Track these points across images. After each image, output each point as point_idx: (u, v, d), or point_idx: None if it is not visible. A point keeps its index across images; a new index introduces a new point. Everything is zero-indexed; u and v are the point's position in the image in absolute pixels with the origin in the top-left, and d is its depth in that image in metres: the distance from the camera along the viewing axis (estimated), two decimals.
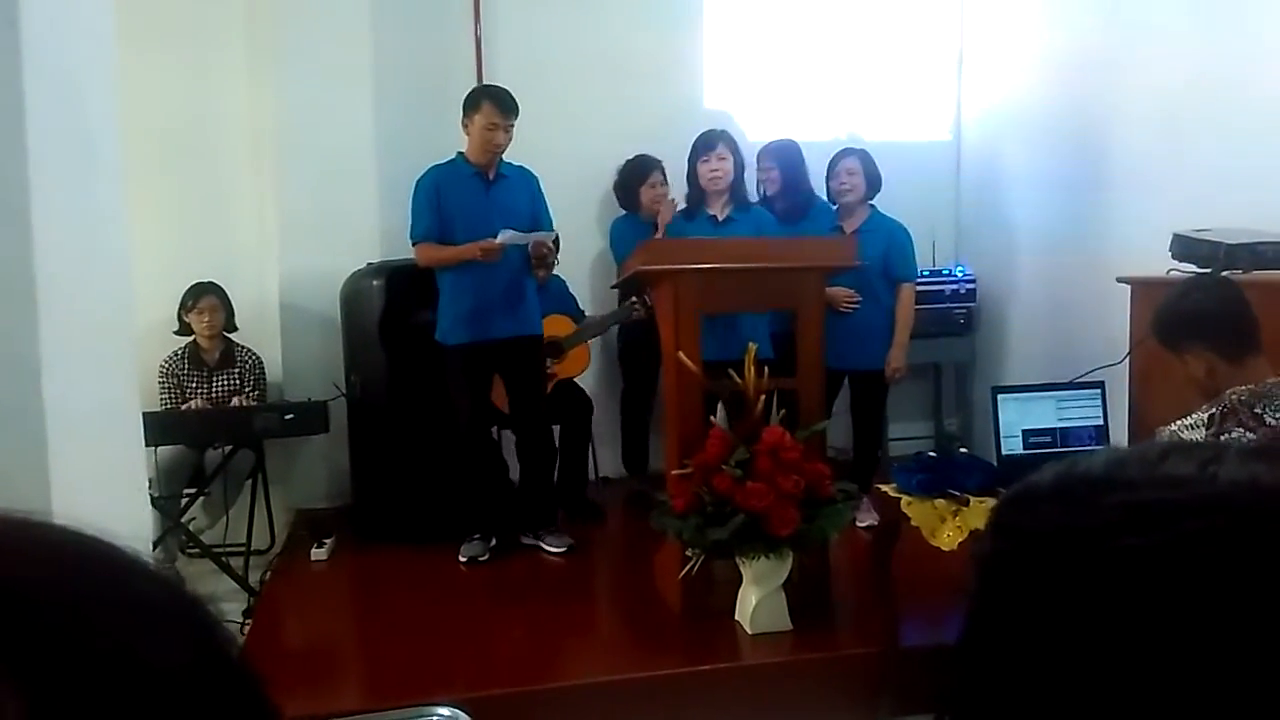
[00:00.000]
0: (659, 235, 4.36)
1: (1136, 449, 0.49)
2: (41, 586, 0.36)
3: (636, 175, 4.87)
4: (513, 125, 3.98)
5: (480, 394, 4.10)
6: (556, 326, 4.61)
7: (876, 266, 4.17)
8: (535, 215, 4.10)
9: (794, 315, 3.59)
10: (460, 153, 4.06)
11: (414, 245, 4.06)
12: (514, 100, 3.98)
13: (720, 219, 4.11)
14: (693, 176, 4.16)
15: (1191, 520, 0.42)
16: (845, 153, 4.36)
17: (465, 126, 3.99)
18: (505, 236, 3.85)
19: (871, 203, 4.35)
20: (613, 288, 4.62)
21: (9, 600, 0.35)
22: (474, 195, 4.01)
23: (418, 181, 4.06)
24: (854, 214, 4.31)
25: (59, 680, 0.33)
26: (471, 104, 3.98)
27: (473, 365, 4.04)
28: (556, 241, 4.21)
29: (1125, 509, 0.43)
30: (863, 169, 4.28)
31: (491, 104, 3.94)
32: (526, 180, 4.13)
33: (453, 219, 3.99)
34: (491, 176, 4.04)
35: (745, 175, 4.24)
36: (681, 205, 4.33)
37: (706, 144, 4.11)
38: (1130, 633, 0.41)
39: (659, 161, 4.82)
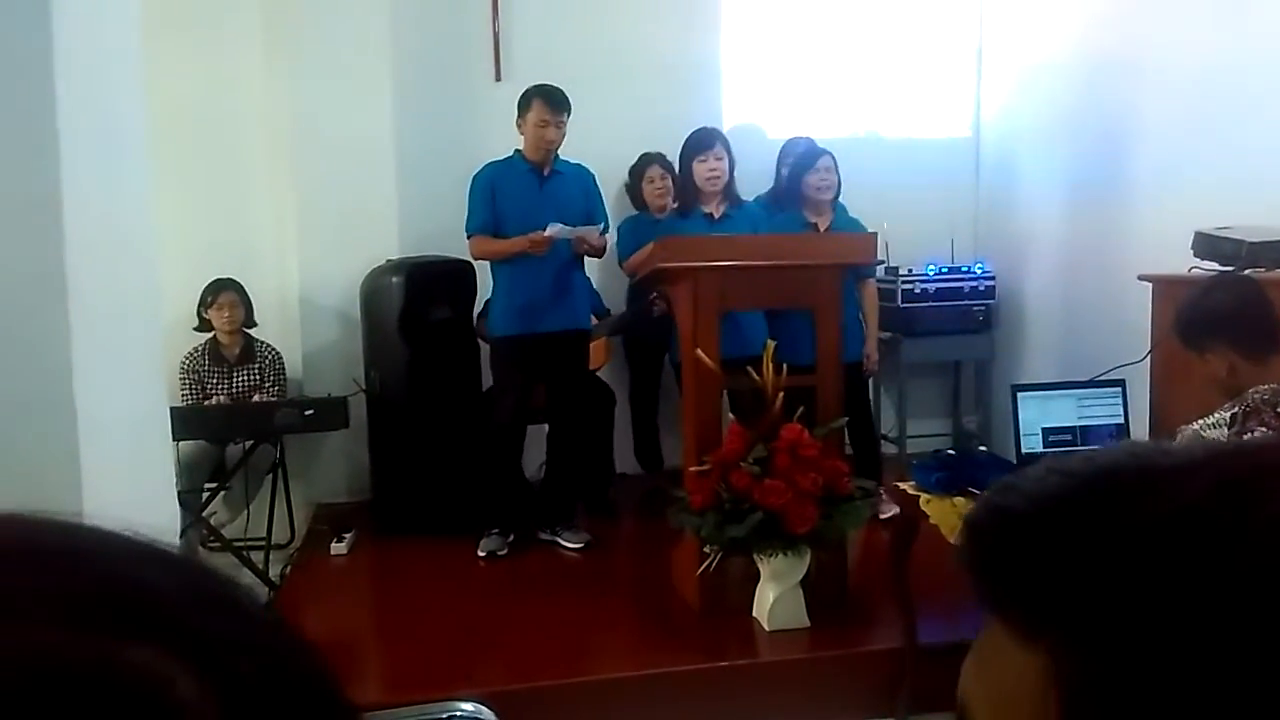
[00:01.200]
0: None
1: (1145, 446, 0.48)
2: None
3: (638, 172, 4.91)
4: (564, 121, 4.05)
5: (526, 386, 4.15)
6: None
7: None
8: (589, 211, 4.17)
9: (812, 312, 3.59)
10: (518, 150, 4.13)
11: (468, 238, 4.14)
12: (565, 97, 4.04)
13: (716, 217, 4.18)
14: (687, 175, 4.21)
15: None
16: (819, 150, 4.40)
17: (519, 125, 4.07)
18: (554, 230, 3.92)
19: (841, 202, 4.39)
20: (633, 283, 4.62)
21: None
22: (528, 191, 4.09)
23: (474, 176, 4.14)
24: (824, 213, 4.34)
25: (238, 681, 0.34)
26: (524, 103, 4.05)
27: (521, 357, 4.09)
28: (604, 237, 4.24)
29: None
30: (835, 168, 4.33)
31: (542, 101, 4.01)
32: (581, 176, 4.20)
33: (507, 214, 4.07)
34: (546, 173, 4.11)
35: (738, 173, 4.27)
36: (673, 204, 4.38)
37: (703, 143, 4.15)
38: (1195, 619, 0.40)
39: (659, 154, 4.84)
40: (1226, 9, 3.95)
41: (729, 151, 4.17)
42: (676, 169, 4.43)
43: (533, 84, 4.10)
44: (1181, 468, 0.44)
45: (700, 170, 4.14)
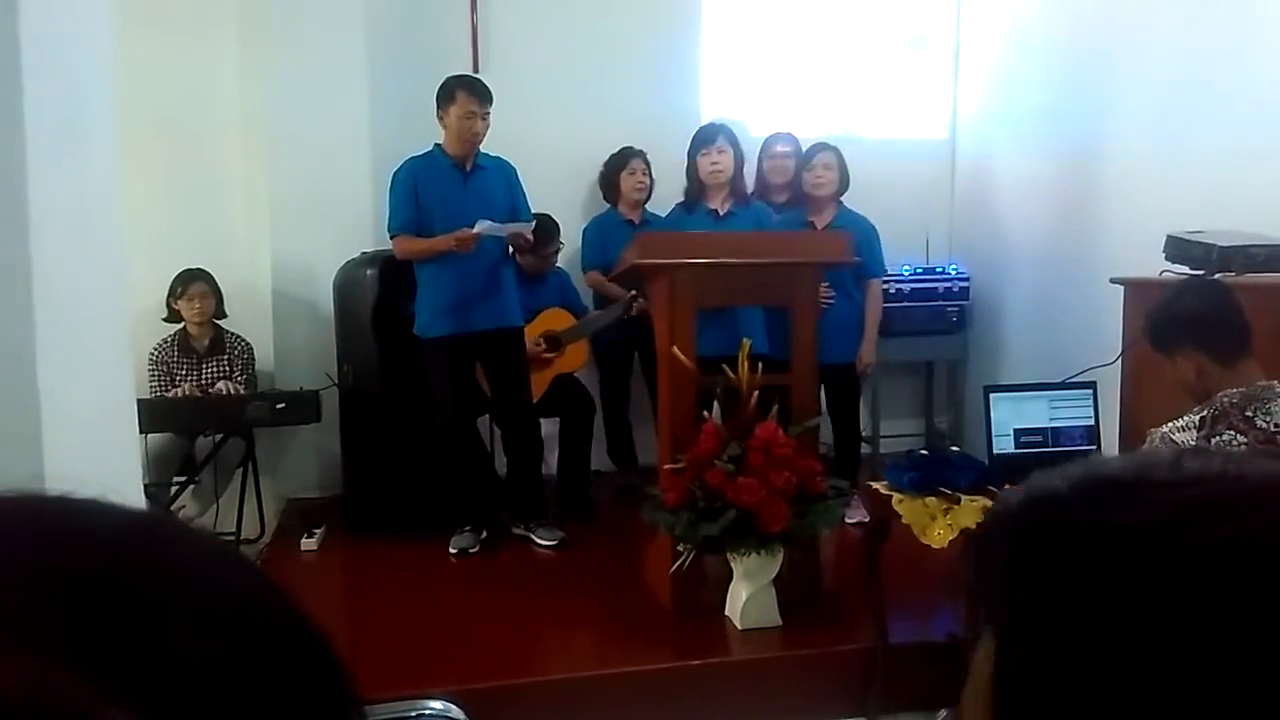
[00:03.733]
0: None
1: (1147, 455, 0.49)
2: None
3: (616, 165, 4.85)
4: (489, 113, 3.97)
5: (463, 387, 4.10)
6: (556, 320, 4.61)
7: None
8: (514, 206, 4.10)
9: (788, 310, 3.59)
10: (437, 144, 4.05)
11: (391, 238, 4.06)
12: (488, 88, 3.98)
13: (721, 213, 4.10)
14: (692, 170, 4.15)
15: (1258, 511, 0.43)
16: (820, 147, 4.38)
17: (440, 119, 3.99)
18: (482, 227, 3.85)
19: (841, 199, 4.37)
20: (608, 279, 4.60)
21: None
22: (451, 187, 4.01)
23: (394, 174, 4.06)
24: (824, 210, 4.34)
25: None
26: (446, 95, 3.97)
27: (454, 358, 4.04)
28: (546, 231, 4.20)
29: (1188, 504, 0.43)
30: (837, 164, 4.31)
31: (466, 93, 3.94)
32: (504, 171, 4.13)
33: (431, 211, 3.99)
34: (469, 168, 4.04)
35: (744, 169, 4.24)
36: (679, 199, 4.34)
37: (707, 137, 4.11)
38: (1209, 625, 0.41)
39: (641, 151, 4.82)
40: (1200, 15, 3.99)
41: (735, 146, 4.06)
42: (685, 165, 4.34)
43: (451, 75, 4.03)
44: (1164, 484, 0.45)
45: (703, 164, 4.07)
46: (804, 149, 4.52)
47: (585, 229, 4.88)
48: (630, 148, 4.84)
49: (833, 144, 4.42)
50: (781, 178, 4.51)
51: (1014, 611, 0.46)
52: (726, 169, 4.04)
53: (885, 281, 5.01)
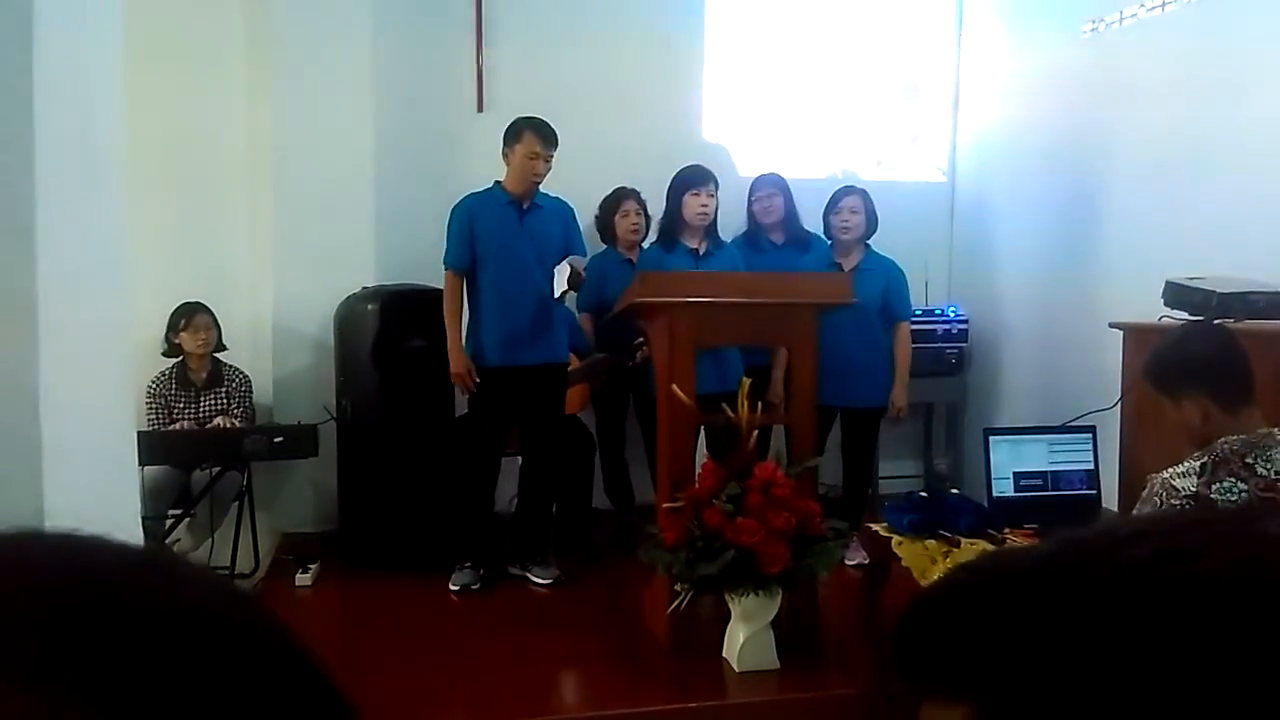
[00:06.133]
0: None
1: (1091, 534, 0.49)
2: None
3: (610, 206, 4.88)
4: (552, 156, 4.04)
5: (501, 420, 4.11)
6: None
7: (875, 305, 4.22)
8: (569, 246, 4.15)
9: (788, 350, 3.60)
10: (498, 181, 4.11)
11: (446, 270, 4.11)
12: (555, 132, 4.04)
13: (700, 253, 4.22)
14: (675, 208, 4.22)
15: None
16: (847, 190, 4.40)
17: (505, 156, 4.05)
18: (573, 261, 3.97)
19: (868, 242, 4.39)
20: (607, 319, 4.61)
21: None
22: (507, 224, 4.06)
23: (454, 208, 4.12)
24: (851, 252, 4.35)
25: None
26: (514, 134, 4.03)
27: (498, 390, 4.05)
28: (580, 277, 4.24)
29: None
30: (864, 208, 4.33)
31: (534, 134, 4.00)
32: (561, 211, 4.19)
33: (486, 246, 4.05)
34: (526, 206, 4.09)
35: (721, 210, 4.35)
36: (653, 236, 4.40)
37: (698, 179, 4.19)
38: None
39: (634, 191, 4.85)
40: (1198, 60, 4.03)
41: (717, 192, 4.25)
42: (665, 201, 4.40)
43: (523, 115, 4.09)
44: (1125, 539, 0.45)
45: (692, 204, 4.17)
46: (791, 188, 4.62)
47: (585, 268, 4.89)
48: (624, 188, 4.86)
49: (859, 187, 4.45)
50: (771, 218, 4.58)
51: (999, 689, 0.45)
52: (712, 212, 4.21)
53: None
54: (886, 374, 4.32)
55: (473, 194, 4.13)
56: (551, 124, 4.04)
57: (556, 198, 4.19)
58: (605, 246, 4.93)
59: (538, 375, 4.08)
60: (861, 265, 4.31)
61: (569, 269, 3.98)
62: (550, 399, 4.17)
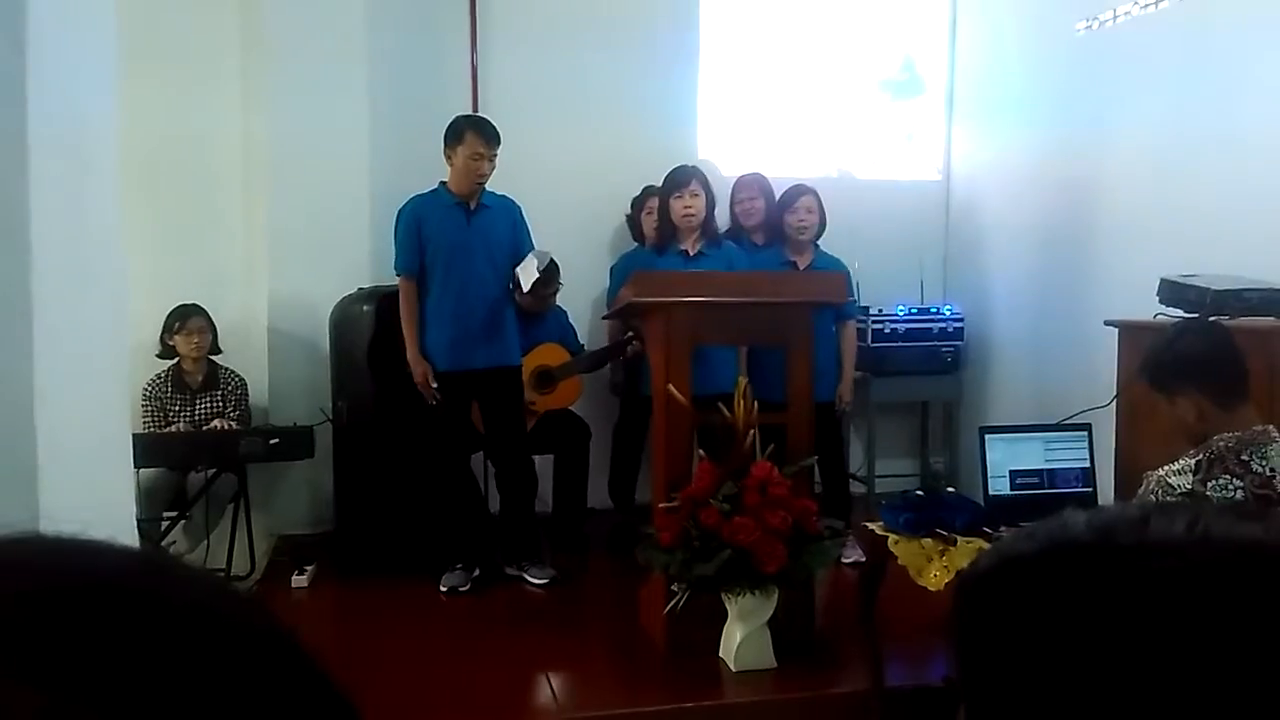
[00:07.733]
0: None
1: (1113, 516, 0.50)
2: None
3: (637, 205, 4.89)
4: (496, 155, 4.00)
5: (457, 422, 4.10)
6: (550, 355, 4.60)
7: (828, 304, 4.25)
8: (518, 244, 4.11)
9: (784, 349, 3.60)
10: (442, 182, 4.08)
11: (398, 276, 4.09)
12: (496, 130, 4.01)
13: (691, 254, 4.19)
14: (664, 212, 4.23)
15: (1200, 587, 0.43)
16: (801, 189, 4.43)
17: (448, 157, 4.01)
18: (533, 257, 3.90)
19: (817, 242, 4.41)
20: (604, 319, 4.62)
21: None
22: (455, 225, 4.03)
23: (399, 212, 4.09)
24: (805, 251, 4.37)
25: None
26: (454, 134, 3.99)
27: (450, 393, 4.04)
28: (546, 271, 4.22)
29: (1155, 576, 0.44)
30: (818, 207, 4.36)
31: (475, 133, 3.96)
32: (509, 210, 4.15)
33: (435, 249, 4.01)
34: (473, 206, 4.05)
35: (716, 209, 4.32)
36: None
37: (680, 181, 4.19)
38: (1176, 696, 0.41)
39: (659, 187, 4.85)
40: (1194, 59, 4.04)
41: (706, 189, 4.18)
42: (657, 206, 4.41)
43: (463, 114, 4.06)
44: (1129, 550, 0.46)
45: (676, 207, 4.18)
46: (775, 188, 4.57)
47: (613, 266, 4.84)
48: (651, 186, 4.85)
49: (810, 185, 4.46)
50: (752, 220, 4.56)
51: (976, 674, 0.46)
52: (699, 212, 4.16)
53: (879, 322, 5.06)
54: (836, 372, 4.37)
55: (417, 196, 4.09)
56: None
57: (503, 196, 4.15)
58: (635, 245, 4.91)
59: (489, 379, 4.05)
60: (814, 264, 4.36)
61: (535, 259, 3.94)
62: (506, 401, 4.14)
